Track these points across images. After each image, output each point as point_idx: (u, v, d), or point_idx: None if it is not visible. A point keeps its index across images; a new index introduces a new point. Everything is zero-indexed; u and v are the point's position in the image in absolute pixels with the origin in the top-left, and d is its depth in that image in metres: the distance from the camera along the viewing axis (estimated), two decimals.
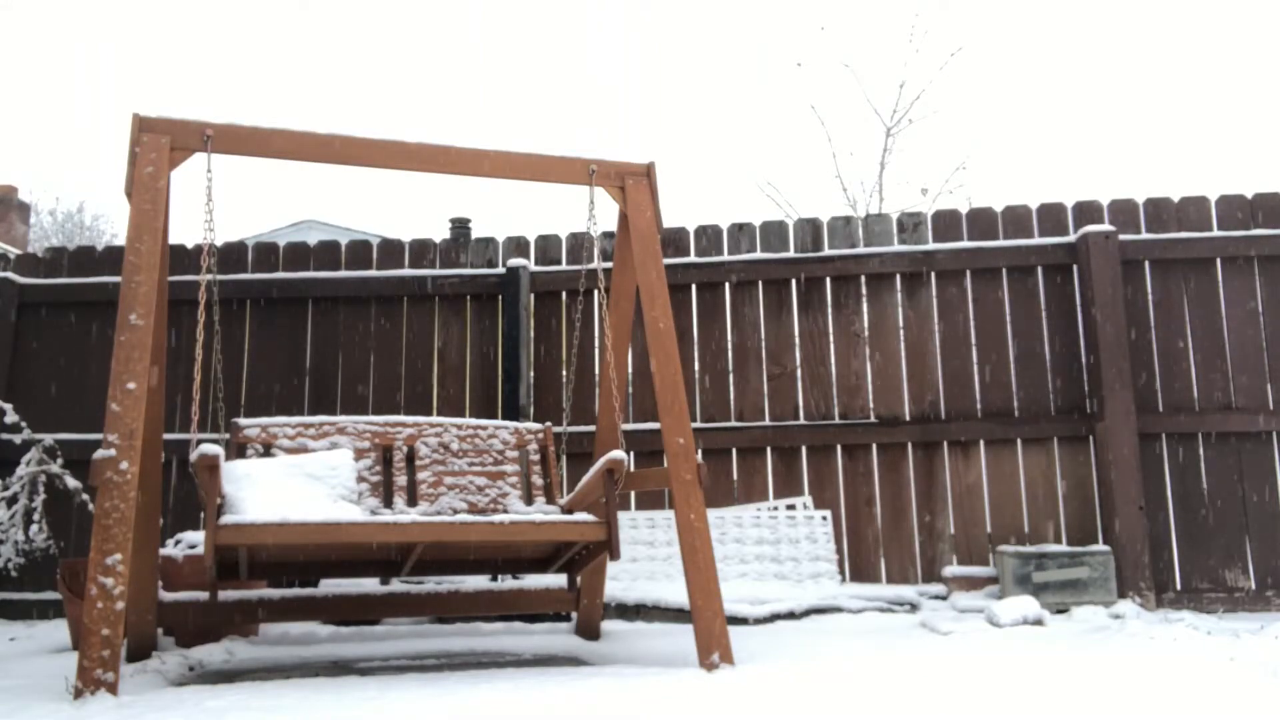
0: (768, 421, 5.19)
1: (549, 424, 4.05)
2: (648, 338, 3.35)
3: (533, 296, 5.33)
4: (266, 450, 3.76)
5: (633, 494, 5.11)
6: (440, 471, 3.82)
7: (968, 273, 5.23)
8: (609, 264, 4.27)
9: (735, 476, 5.15)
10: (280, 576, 3.91)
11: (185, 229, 25.08)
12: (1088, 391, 5.03)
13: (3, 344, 5.32)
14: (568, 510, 3.63)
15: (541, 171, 3.46)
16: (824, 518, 4.94)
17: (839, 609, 4.44)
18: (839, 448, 5.14)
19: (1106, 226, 5.02)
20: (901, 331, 5.23)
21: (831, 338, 5.26)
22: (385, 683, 2.85)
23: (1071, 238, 5.14)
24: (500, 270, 5.35)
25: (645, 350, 3.46)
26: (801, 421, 5.17)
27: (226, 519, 2.96)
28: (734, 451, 5.17)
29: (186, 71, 41.30)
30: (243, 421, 3.90)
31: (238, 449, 3.76)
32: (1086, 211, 5.20)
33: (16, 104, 36.87)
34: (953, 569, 4.88)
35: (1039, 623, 3.98)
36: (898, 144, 11.96)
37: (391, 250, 5.51)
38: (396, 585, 4.23)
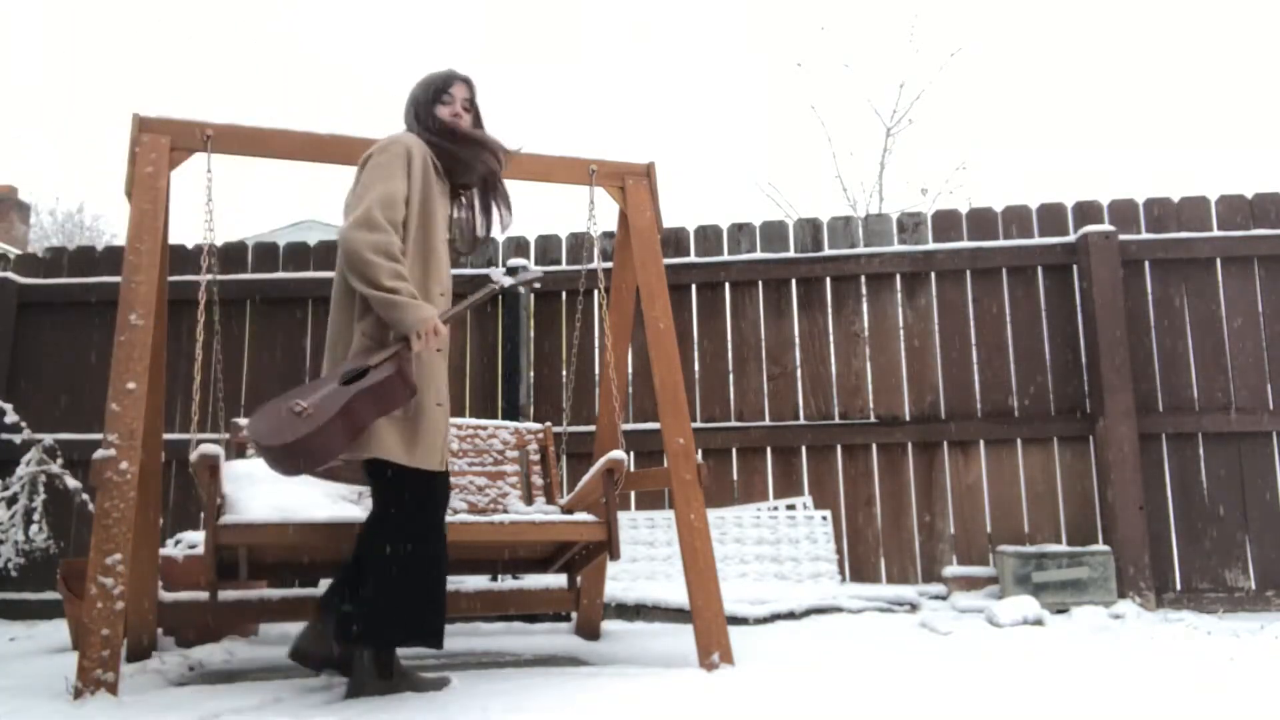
0: (768, 421, 5.19)
1: (549, 424, 4.05)
2: (648, 338, 3.34)
3: (533, 296, 5.32)
4: None
5: (633, 494, 5.11)
6: None
7: (968, 273, 5.22)
8: (609, 264, 4.27)
9: (735, 476, 5.15)
10: (280, 576, 3.91)
11: (185, 229, 25.08)
12: (1088, 391, 5.03)
13: (3, 344, 5.32)
14: (568, 510, 3.63)
15: (542, 172, 3.45)
16: (824, 518, 4.94)
17: (839, 609, 4.44)
18: (839, 448, 5.14)
19: (1107, 226, 5.02)
20: (901, 331, 5.23)
21: (831, 338, 5.26)
22: None
23: (1071, 238, 5.14)
24: (500, 270, 5.35)
25: (645, 350, 3.46)
26: (801, 421, 5.17)
27: (226, 519, 2.96)
28: (734, 451, 5.17)
29: (186, 72, 41.30)
30: (243, 421, 3.89)
31: (238, 449, 3.76)
32: (1086, 211, 5.19)
33: (17, 104, 36.87)
34: (953, 569, 4.88)
35: (1039, 623, 3.98)
36: (898, 144, 11.96)
37: None
38: None
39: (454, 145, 2.88)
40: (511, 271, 2.74)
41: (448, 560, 2.71)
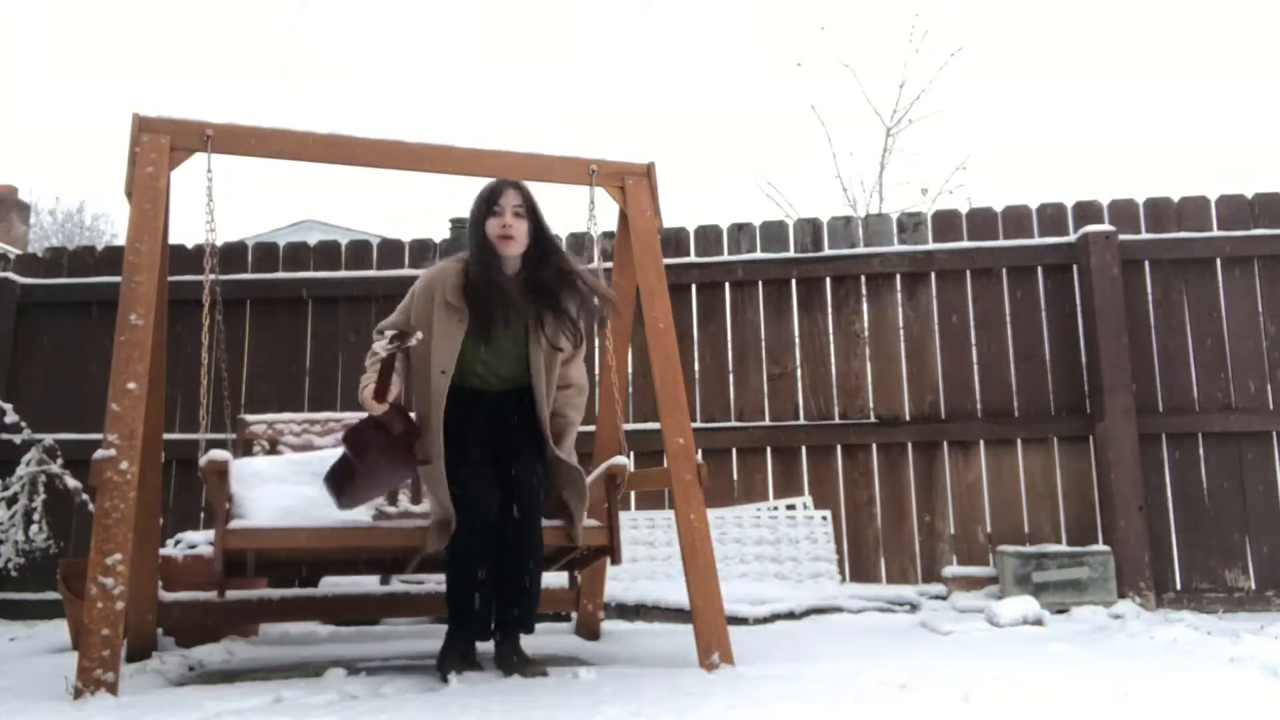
0: (768, 421, 5.19)
1: None
2: (648, 338, 3.34)
3: None
4: (272, 446, 3.78)
5: (633, 494, 5.11)
6: None
7: (968, 273, 5.22)
8: (609, 264, 4.27)
9: (735, 476, 5.15)
10: (283, 574, 3.91)
11: (185, 229, 25.05)
12: (1088, 391, 5.02)
13: (3, 344, 5.31)
14: None
15: (542, 171, 3.45)
16: (824, 518, 4.94)
17: (839, 609, 4.44)
18: (839, 448, 5.14)
19: (1106, 226, 5.02)
20: (901, 331, 5.23)
21: (831, 338, 5.26)
22: (387, 682, 2.85)
23: (1071, 238, 5.14)
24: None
25: (645, 350, 3.46)
26: (801, 421, 5.17)
27: (235, 524, 2.96)
28: (734, 451, 5.17)
29: (186, 72, 41.28)
30: (249, 418, 3.91)
31: (244, 445, 3.77)
32: (1086, 211, 5.19)
33: (17, 103, 36.87)
34: (953, 569, 4.87)
35: (1039, 623, 3.97)
36: (898, 144, 11.88)
37: (391, 250, 5.50)
38: (396, 585, 4.22)
39: (478, 268, 3.02)
40: (397, 337, 2.93)
41: (471, 574, 2.96)
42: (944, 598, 4.75)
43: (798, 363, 5.26)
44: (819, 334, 5.28)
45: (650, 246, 3.44)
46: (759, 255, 5.32)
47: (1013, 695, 2.50)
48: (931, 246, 5.24)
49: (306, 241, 5.63)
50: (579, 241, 5.42)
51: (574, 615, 4.08)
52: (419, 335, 2.93)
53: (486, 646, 3.09)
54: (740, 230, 5.40)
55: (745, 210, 20.94)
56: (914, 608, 4.58)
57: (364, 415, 3.01)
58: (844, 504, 5.09)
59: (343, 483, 2.94)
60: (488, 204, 3.02)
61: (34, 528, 4.67)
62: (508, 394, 3.15)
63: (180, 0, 42.21)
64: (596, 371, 5.20)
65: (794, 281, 5.32)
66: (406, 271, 5.41)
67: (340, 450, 3.01)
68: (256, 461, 3.43)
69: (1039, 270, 5.19)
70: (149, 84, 39.96)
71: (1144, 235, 5.12)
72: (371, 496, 3.11)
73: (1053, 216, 5.24)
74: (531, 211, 3.04)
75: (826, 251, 5.30)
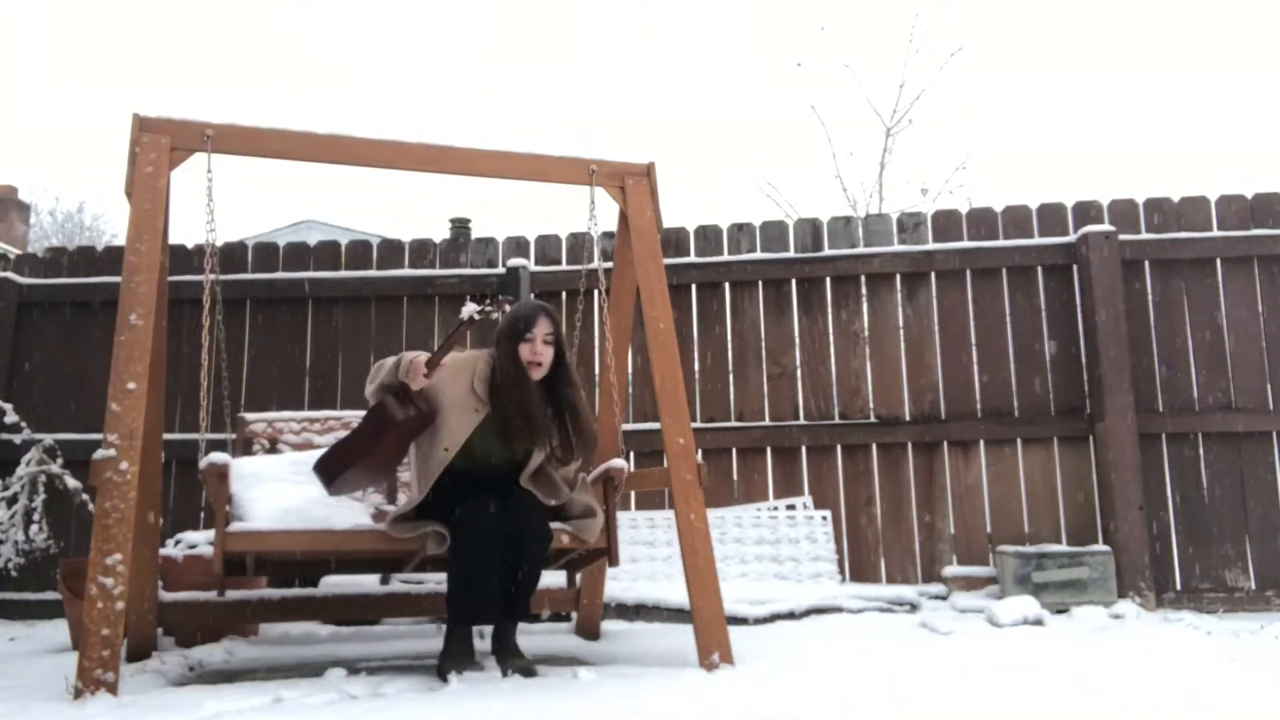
0: (768, 421, 5.19)
1: None
2: (648, 338, 3.34)
3: (533, 296, 5.32)
4: (272, 445, 3.78)
5: (633, 494, 5.11)
6: None
7: (968, 273, 5.22)
8: (609, 264, 4.27)
9: (735, 476, 5.14)
10: (283, 573, 3.91)
11: (185, 229, 25.00)
12: (1088, 391, 5.02)
13: (3, 344, 5.31)
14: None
15: (542, 171, 3.45)
16: (824, 518, 4.94)
17: (839, 609, 4.44)
18: (839, 448, 5.14)
19: (1107, 226, 5.02)
20: (901, 331, 5.23)
21: (831, 338, 5.26)
22: (387, 682, 2.85)
23: (1071, 238, 5.13)
24: (500, 270, 5.35)
25: (645, 350, 3.46)
26: (801, 421, 5.17)
27: (235, 526, 2.97)
28: (734, 451, 5.17)
29: (187, 72, 41.28)
30: (249, 416, 3.90)
31: (244, 444, 3.77)
32: (1086, 211, 5.19)
33: (17, 103, 36.87)
34: (953, 569, 4.87)
35: (1039, 623, 3.97)
36: (898, 144, 11.90)
37: (391, 250, 5.50)
38: (396, 585, 4.22)
39: (508, 382, 3.11)
40: (479, 299, 3.07)
41: (469, 569, 2.96)
42: (944, 598, 4.75)
43: (798, 363, 5.26)
44: (819, 334, 5.28)
45: (650, 246, 3.44)
46: (759, 255, 5.32)
47: (1013, 695, 2.50)
48: (931, 246, 5.24)
49: (307, 241, 5.63)
50: (579, 241, 5.42)
51: (574, 615, 4.08)
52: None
53: (486, 646, 3.09)
54: (740, 230, 5.40)
55: (745, 210, 20.91)
56: (914, 608, 4.58)
57: (374, 407, 3.05)
58: (844, 504, 5.09)
59: (336, 467, 2.97)
60: (521, 329, 3.10)
61: (34, 528, 4.67)
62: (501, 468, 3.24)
63: (180, 0, 42.19)
64: (596, 371, 5.20)
65: (794, 281, 5.32)
66: (407, 271, 5.41)
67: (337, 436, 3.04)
68: (256, 461, 3.43)
69: (1039, 270, 5.19)
70: (149, 84, 39.88)
71: (1144, 235, 5.12)
72: (362, 484, 3.13)
73: (1053, 216, 5.24)
74: (559, 339, 3.15)
75: (826, 251, 5.30)
